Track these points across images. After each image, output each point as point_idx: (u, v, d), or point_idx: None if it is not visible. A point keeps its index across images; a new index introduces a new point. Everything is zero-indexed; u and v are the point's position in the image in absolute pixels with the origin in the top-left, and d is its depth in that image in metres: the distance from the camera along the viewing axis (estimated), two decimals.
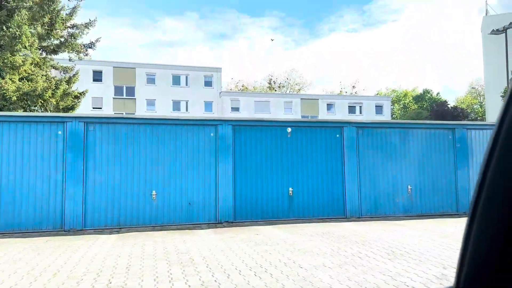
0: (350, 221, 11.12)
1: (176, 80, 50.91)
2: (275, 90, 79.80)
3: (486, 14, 78.53)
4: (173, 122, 10.48)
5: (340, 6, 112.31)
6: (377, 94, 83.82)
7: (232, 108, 50.28)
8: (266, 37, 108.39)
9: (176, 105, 49.87)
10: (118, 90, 48.92)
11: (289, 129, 11.24)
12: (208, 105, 50.65)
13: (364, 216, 11.54)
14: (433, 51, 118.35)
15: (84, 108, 44.56)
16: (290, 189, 11.13)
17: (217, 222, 10.50)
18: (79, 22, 26.16)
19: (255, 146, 11.00)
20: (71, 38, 25.49)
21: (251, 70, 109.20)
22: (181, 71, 51.24)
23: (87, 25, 26.95)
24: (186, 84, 51.26)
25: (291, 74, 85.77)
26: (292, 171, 11.22)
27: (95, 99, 47.63)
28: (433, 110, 58.17)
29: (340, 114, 50.59)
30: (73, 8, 25.47)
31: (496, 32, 19.44)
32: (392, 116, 71.01)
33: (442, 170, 12.13)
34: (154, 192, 10.12)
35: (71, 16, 25.60)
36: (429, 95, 74.66)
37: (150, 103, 48.94)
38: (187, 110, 49.53)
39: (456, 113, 56.41)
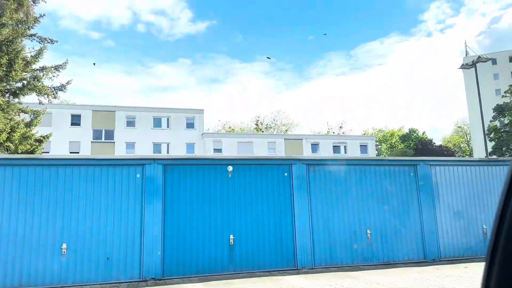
0: (301, 273, 9.61)
1: (157, 123, 50.13)
2: (262, 131, 79.48)
3: (466, 55, 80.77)
4: (93, 163, 9.19)
5: (328, 51, 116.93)
6: (364, 134, 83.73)
7: (214, 149, 49.26)
8: (257, 81, 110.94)
9: (157, 148, 48.74)
10: (96, 134, 47.84)
11: (230, 168, 10.00)
12: (190, 147, 49.63)
13: (317, 266, 10.04)
14: (418, 92, 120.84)
15: (59, 153, 43.24)
16: (231, 236, 9.70)
17: (141, 280, 8.93)
18: (50, 64, 25.51)
19: (189, 187, 9.68)
20: (34, 80, 24.62)
21: (242, 112, 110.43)
22: (163, 113, 50.60)
23: (57, 68, 26.31)
24: (168, 126, 50.43)
25: (278, 115, 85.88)
26: (233, 216, 9.84)
27: (72, 143, 46.42)
28: (417, 149, 57.56)
29: (325, 154, 49.66)
30: (39, 49, 24.88)
31: (466, 66, 18.95)
32: (378, 155, 70.39)
33: (406, 212, 10.83)
34: (64, 245, 8.63)
35: (37, 58, 24.94)
36: (415, 135, 74.56)
37: (130, 146, 47.74)
38: (168, 152, 48.35)
39: (442, 152, 55.74)
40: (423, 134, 76.62)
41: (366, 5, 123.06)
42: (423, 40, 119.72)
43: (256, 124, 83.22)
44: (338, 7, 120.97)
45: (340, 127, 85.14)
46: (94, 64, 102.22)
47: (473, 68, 18.79)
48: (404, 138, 76.50)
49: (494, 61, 68.18)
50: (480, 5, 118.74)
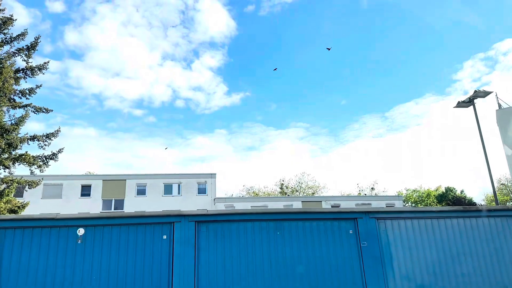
0: None
1: (168, 189, 48.76)
2: (287, 195, 76.18)
3: (499, 107, 76.19)
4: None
5: (362, 115, 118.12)
6: (398, 194, 78.23)
7: None
8: (292, 146, 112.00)
9: None
10: (106, 204, 46.94)
11: (80, 231, 7.56)
12: None
13: None
14: (456, 151, 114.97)
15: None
16: None
17: None
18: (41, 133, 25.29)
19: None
20: (8, 148, 24.03)
21: (274, 178, 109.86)
22: (173, 180, 49.35)
23: (48, 136, 25.94)
24: (179, 193, 48.86)
25: (303, 178, 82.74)
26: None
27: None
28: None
29: None
30: (20, 117, 24.69)
31: (463, 103, 16.03)
32: None
33: (344, 284, 7.75)
34: None
35: (17, 126, 24.68)
36: (452, 194, 68.30)
37: None
38: None
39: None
40: (461, 192, 70.19)
41: (400, 67, 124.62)
42: (460, 98, 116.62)
43: (281, 188, 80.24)
44: (370, 71, 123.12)
45: (372, 188, 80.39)
46: (166, 148, 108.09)
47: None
48: (441, 198, 70.23)
49: None
50: None
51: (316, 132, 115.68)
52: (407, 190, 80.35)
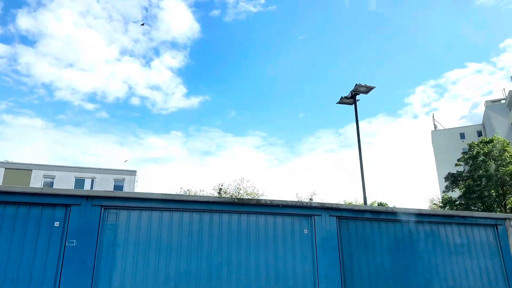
0: None
1: (79, 184, 44.51)
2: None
3: (435, 128, 78.12)
4: None
5: (317, 129, 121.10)
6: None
7: None
8: (249, 154, 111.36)
9: None
10: None
11: None
12: None
13: None
14: (399, 170, 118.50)
15: None
16: None
17: None
18: None
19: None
20: None
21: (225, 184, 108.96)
22: (87, 174, 45.24)
23: None
24: (91, 188, 44.70)
25: (242, 183, 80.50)
26: None
27: None
28: None
29: None
30: None
31: (345, 99, 14.26)
32: None
33: None
34: None
35: None
36: None
37: None
38: None
39: None
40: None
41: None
42: (410, 121, 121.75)
43: (219, 193, 77.50)
44: (329, 88, 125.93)
45: (310, 198, 79.49)
46: (126, 161, 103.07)
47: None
48: None
49: (462, 136, 65.74)
50: (463, 91, 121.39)
51: (273, 142, 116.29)
52: (344, 202, 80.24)
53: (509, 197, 33.15)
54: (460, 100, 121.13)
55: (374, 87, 14.03)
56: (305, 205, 7.18)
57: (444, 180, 35.90)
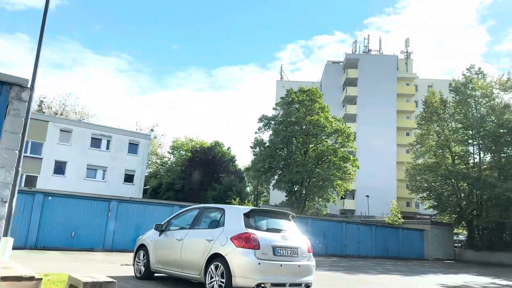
0: None
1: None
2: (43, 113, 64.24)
3: (281, 79, 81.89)
4: None
5: (189, 65, 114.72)
6: (174, 141, 76.20)
7: None
8: (110, 77, 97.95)
9: None
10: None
11: None
12: None
13: None
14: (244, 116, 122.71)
15: None
16: None
17: None
18: None
19: None
20: None
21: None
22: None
23: None
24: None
25: (69, 99, 71.89)
26: None
27: None
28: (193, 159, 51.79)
29: (79, 144, 38.66)
30: None
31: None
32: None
33: None
34: None
35: None
36: (219, 148, 69.48)
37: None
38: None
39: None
40: (228, 149, 71.97)
41: (233, 32, 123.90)
42: (277, 76, 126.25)
43: (40, 106, 67.46)
44: (207, 26, 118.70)
45: (152, 129, 75.72)
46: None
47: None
48: (210, 149, 70.44)
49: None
50: (325, 57, 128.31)
51: (139, 69, 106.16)
52: (185, 138, 79.06)
53: (310, 146, 35.42)
54: (321, 65, 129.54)
55: None
56: None
57: (257, 121, 36.46)
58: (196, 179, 46.31)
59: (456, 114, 32.87)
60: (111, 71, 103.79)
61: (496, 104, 31.50)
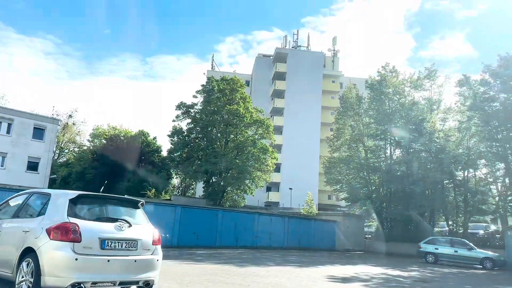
0: None
1: None
2: None
3: (212, 69, 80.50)
4: None
5: (123, 51, 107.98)
6: (95, 129, 71.11)
7: None
8: (35, 59, 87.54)
9: None
10: None
11: None
12: None
13: None
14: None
15: None
16: None
17: None
18: None
19: None
20: None
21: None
22: None
23: None
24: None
25: None
26: None
27: None
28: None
29: None
30: None
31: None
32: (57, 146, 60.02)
33: None
34: None
35: None
36: (143, 138, 66.26)
37: None
38: None
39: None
40: (153, 139, 68.88)
41: (171, 19, 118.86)
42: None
43: None
44: (142, 11, 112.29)
45: (70, 115, 70.12)
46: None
47: None
48: (134, 138, 66.79)
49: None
50: (263, 52, 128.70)
51: (67, 52, 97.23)
52: (108, 126, 74.48)
53: (231, 136, 34.57)
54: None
55: None
56: None
57: (175, 108, 34.78)
58: (111, 168, 43.38)
59: (370, 110, 33.94)
60: (37, 53, 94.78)
61: (408, 101, 32.99)
